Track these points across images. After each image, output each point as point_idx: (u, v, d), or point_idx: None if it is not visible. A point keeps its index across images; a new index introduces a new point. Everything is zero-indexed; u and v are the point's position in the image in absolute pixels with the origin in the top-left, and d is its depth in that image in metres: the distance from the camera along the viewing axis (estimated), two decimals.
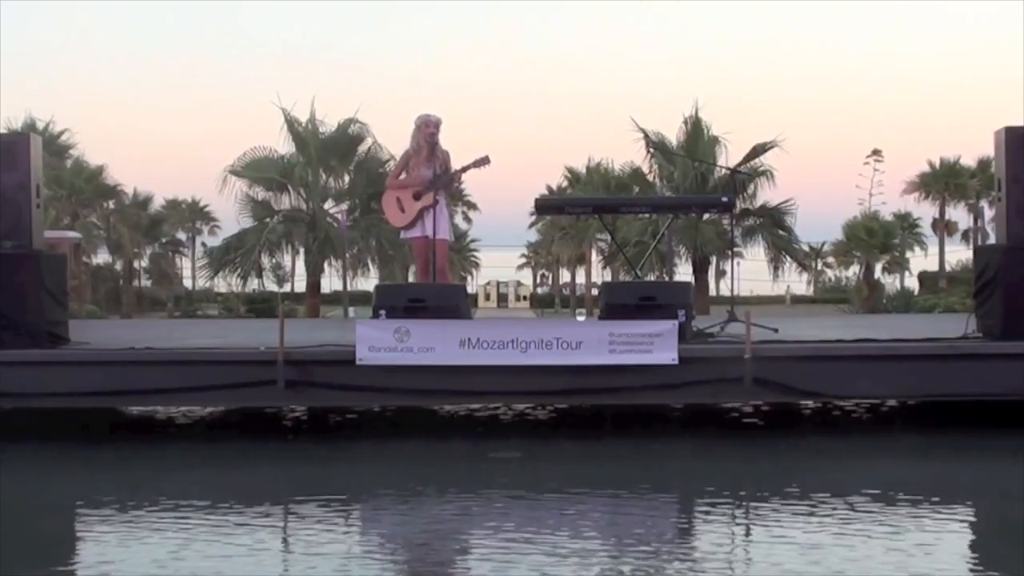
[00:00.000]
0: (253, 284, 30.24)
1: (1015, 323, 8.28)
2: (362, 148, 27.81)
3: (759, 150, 28.36)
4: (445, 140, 9.43)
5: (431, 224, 9.17)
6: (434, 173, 9.18)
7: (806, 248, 35.68)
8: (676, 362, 8.01)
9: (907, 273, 46.32)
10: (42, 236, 9.04)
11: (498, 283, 69.20)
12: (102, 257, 44.34)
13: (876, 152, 52.96)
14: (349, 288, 28.87)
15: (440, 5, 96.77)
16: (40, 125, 34.92)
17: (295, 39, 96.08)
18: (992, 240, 10.24)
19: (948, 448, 7.98)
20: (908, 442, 8.25)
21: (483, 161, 9.18)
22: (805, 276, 44.07)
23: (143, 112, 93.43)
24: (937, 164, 49.01)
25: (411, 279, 27.08)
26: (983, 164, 43.73)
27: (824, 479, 7.02)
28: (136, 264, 50.73)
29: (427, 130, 9.30)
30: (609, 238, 31.11)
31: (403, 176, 9.46)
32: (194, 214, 61.76)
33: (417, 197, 9.25)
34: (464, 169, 9.30)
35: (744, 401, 8.92)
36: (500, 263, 68.60)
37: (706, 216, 25.54)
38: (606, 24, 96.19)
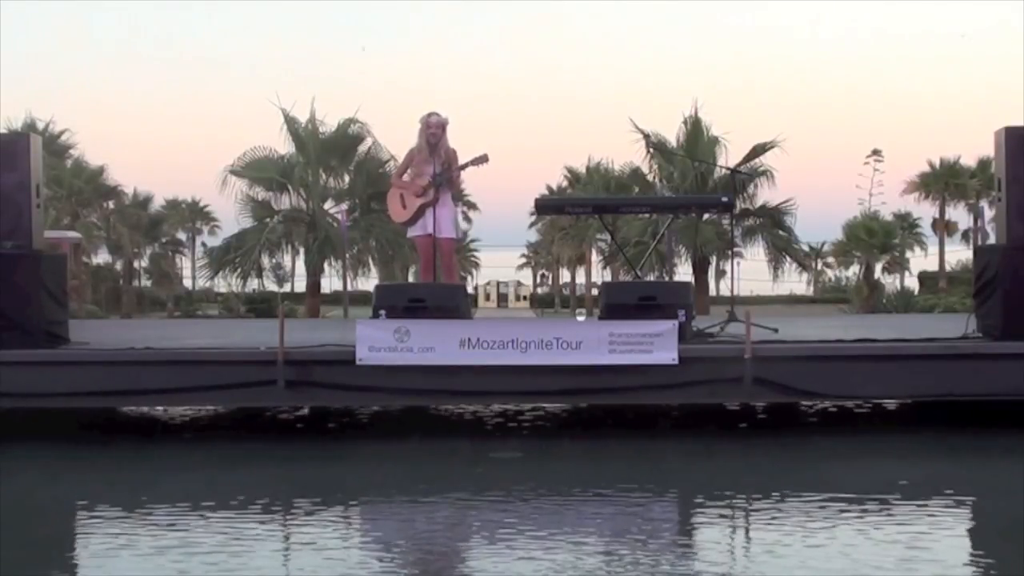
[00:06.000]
0: (253, 284, 30.23)
1: (1015, 323, 8.28)
2: (362, 148, 27.82)
3: (759, 150, 28.37)
4: (450, 140, 9.45)
5: (433, 222, 9.21)
6: (434, 171, 9.21)
7: (806, 248, 35.67)
8: (676, 362, 8.01)
9: (907, 273, 46.35)
10: (42, 236, 9.04)
11: (498, 283, 69.21)
12: (102, 257, 44.51)
13: (876, 152, 52.91)
14: (349, 288, 28.86)
15: (441, 5, 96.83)
16: (40, 125, 34.99)
17: (295, 39, 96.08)
18: (992, 240, 10.23)
19: (948, 448, 7.98)
20: (908, 442, 8.25)
21: (481, 159, 9.21)
22: (805, 276, 44.04)
23: (143, 112, 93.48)
24: (937, 164, 49.03)
25: (412, 279, 27.14)
26: (983, 164, 43.71)
27: (824, 479, 7.02)
28: (136, 264, 50.80)
29: (429, 130, 9.31)
30: (609, 238, 31.10)
31: (407, 174, 9.52)
32: (194, 214, 61.79)
33: (418, 194, 9.29)
34: (462, 167, 9.37)
35: (744, 401, 8.92)
36: (500, 263, 68.67)
37: (706, 216, 25.54)
38: (606, 23, 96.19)
